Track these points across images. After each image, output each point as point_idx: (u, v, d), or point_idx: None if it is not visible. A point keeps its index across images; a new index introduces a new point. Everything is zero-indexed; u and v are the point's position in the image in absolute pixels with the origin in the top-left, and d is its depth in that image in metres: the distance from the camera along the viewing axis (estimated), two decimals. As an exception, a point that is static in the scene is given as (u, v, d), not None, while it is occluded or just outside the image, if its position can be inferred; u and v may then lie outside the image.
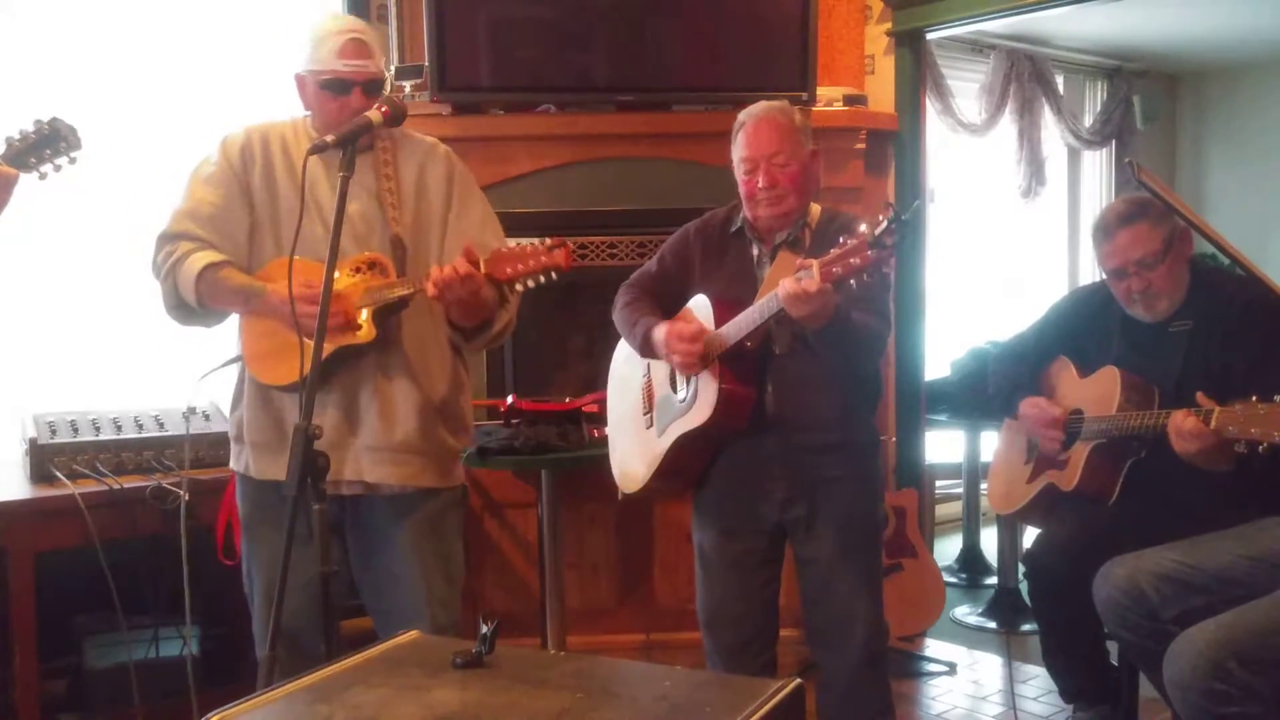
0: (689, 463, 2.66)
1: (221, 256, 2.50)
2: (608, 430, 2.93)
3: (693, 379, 2.58)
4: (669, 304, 2.70)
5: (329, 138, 2.17)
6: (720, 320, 2.51)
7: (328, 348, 2.38)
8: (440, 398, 2.56)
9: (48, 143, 2.46)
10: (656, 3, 4.04)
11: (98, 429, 3.19)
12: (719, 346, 2.50)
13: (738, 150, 2.60)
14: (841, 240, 2.16)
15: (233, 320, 2.60)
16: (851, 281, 2.15)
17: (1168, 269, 2.71)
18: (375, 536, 2.57)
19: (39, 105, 3.52)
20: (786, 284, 2.24)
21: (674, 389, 2.66)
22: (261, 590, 2.60)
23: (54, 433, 3.13)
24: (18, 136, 2.45)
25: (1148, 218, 2.71)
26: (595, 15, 3.97)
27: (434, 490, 2.58)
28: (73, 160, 2.50)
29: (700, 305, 2.61)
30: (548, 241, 2.33)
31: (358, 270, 2.43)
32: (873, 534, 2.68)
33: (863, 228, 2.11)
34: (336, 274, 2.26)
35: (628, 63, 4.02)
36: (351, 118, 2.43)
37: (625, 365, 2.88)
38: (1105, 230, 2.77)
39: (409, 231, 2.53)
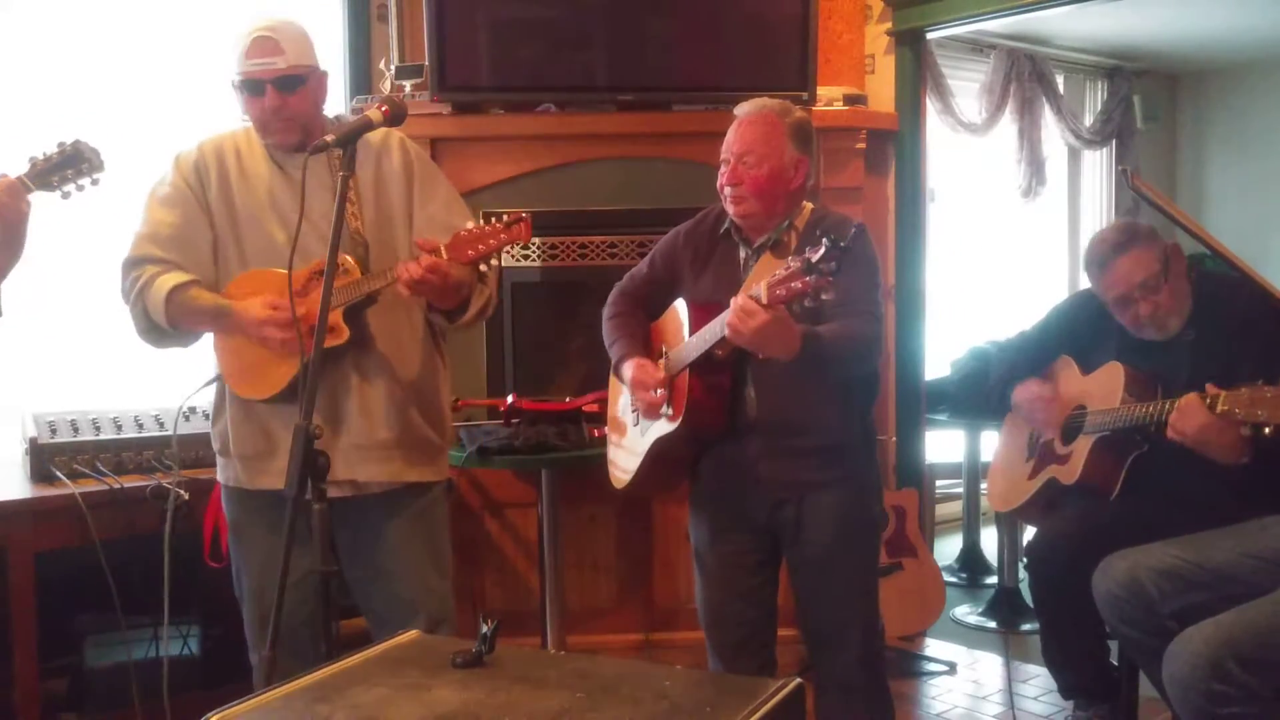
0: (670, 463, 2.63)
1: (188, 276, 2.49)
2: (607, 427, 2.93)
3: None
4: (660, 305, 2.67)
5: (328, 137, 2.14)
6: (696, 326, 2.44)
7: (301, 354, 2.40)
8: (415, 390, 2.57)
9: (70, 164, 2.47)
10: (656, 3, 4.04)
11: (98, 429, 3.19)
12: (677, 365, 2.46)
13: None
14: (788, 264, 2.09)
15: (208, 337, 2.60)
16: (795, 306, 2.09)
17: (1171, 288, 2.71)
18: (365, 535, 2.58)
19: (38, 104, 3.55)
20: (727, 314, 2.20)
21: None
22: (252, 592, 2.61)
23: (54, 432, 3.13)
24: (41, 156, 2.47)
25: (1139, 241, 2.71)
26: (595, 15, 3.97)
27: (421, 485, 2.60)
28: (95, 182, 2.51)
29: (680, 309, 2.56)
30: (506, 217, 2.34)
31: (320, 273, 2.39)
32: (866, 536, 2.61)
33: (808, 250, 2.04)
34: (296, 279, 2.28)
35: (628, 62, 4.01)
36: (272, 116, 2.44)
37: None
38: (1101, 262, 2.75)
39: (371, 228, 2.53)
